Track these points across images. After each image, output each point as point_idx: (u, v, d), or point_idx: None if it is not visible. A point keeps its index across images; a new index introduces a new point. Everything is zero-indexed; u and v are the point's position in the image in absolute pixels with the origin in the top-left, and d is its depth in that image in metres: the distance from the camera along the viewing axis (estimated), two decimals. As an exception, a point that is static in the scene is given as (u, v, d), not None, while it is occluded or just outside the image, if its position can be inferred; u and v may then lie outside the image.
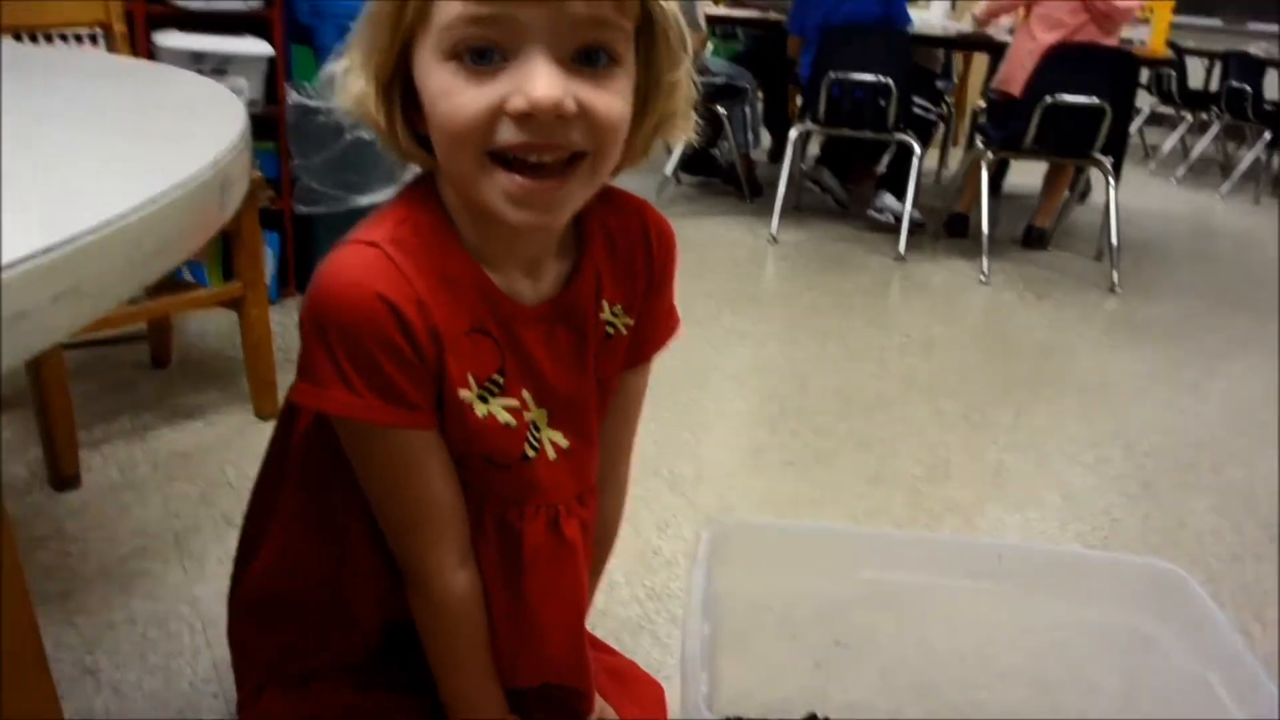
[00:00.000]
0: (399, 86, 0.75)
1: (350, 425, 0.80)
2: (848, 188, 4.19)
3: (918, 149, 3.61)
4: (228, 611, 1.00)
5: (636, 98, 0.76)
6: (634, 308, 0.91)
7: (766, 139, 5.40)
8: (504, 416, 0.83)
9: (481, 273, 0.80)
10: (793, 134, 3.79)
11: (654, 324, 0.94)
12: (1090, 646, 1.19)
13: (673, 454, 1.96)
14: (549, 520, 0.89)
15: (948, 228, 3.92)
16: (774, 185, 3.76)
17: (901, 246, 3.56)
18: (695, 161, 4.40)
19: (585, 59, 0.71)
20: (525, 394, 0.85)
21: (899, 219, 3.66)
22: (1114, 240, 3.44)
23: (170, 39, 2.23)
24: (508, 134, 0.70)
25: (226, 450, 1.85)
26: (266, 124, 2.44)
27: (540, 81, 0.68)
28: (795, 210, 4.05)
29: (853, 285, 3.23)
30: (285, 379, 2.04)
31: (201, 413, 1.98)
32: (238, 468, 1.79)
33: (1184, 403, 2.47)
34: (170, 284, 2.15)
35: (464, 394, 0.80)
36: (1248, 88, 5.33)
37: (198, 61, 2.23)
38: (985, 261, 3.40)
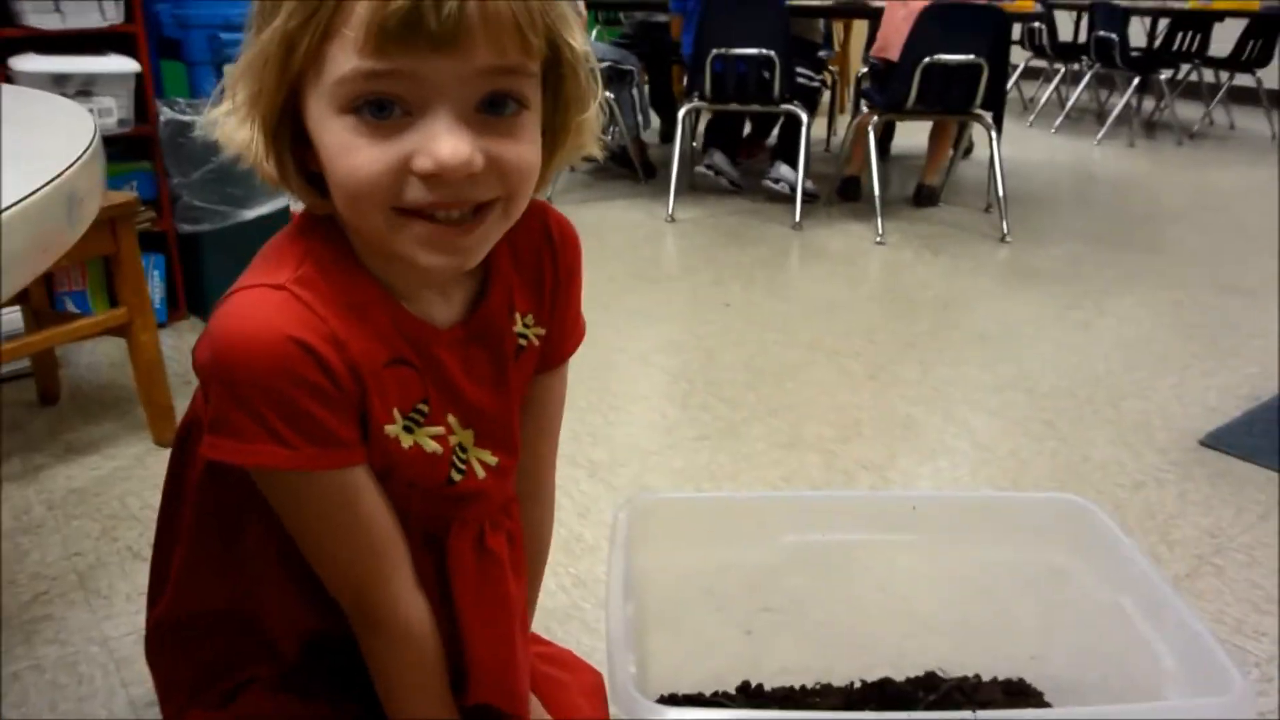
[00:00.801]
0: (288, 127, 0.70)
1: (282, 477, 0.75)
2: (739, 163, 4.21)
3: (805, 118, 3.65)
4: (145, 639, 0.96)
5: (545, 137, 0.74)
6: (543, 316, 0.88)
7: (655, 120, 5.40)
8: (430, 445, 0.81)
9: (393, 300, 0.77)
10: (681, 113, 3.80)
11: (563, 330, 0.91)
12: (1009, 585, 1.22)
13: (588, 440, 1.96)
14: (474, 537, 0.86)
15: (840, 193, 3.98)
16: (667, 166, 3.77)
17: (797, 215, 3.60)
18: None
19: (491, 107, 0.67)
20: (450, 418, 0.82)
21: (794, 188, 3.70)
22: (1001, 192, 3.52)
23: (27, 62, 2.13)
24: (415, 193, 0.67)
25: (126, 481, 1.78)
26: (140, 143, 2.36)
27: (446, 141, 0.65)
28: (690, 189, 4.06)
29: (752, 257, 3.25)
30: (182, 403, 1.99)
31: (97, 446, 1.91)
32: (140, 498, 1.73)
33: (1078, 342, 2.54)
34: (52, 315, 2.07)
35: (389, 428, 0.77)
36: (1114, 36, 5.50)
37: (60, 84, 2.14)
38: (880, 223, 3.46)
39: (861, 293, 2.95)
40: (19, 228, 0.59)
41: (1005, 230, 3.48)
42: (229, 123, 0.70)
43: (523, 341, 0.87)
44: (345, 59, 0.64)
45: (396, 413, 0.78)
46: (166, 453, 1.88)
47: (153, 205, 2.38)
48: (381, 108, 0.65)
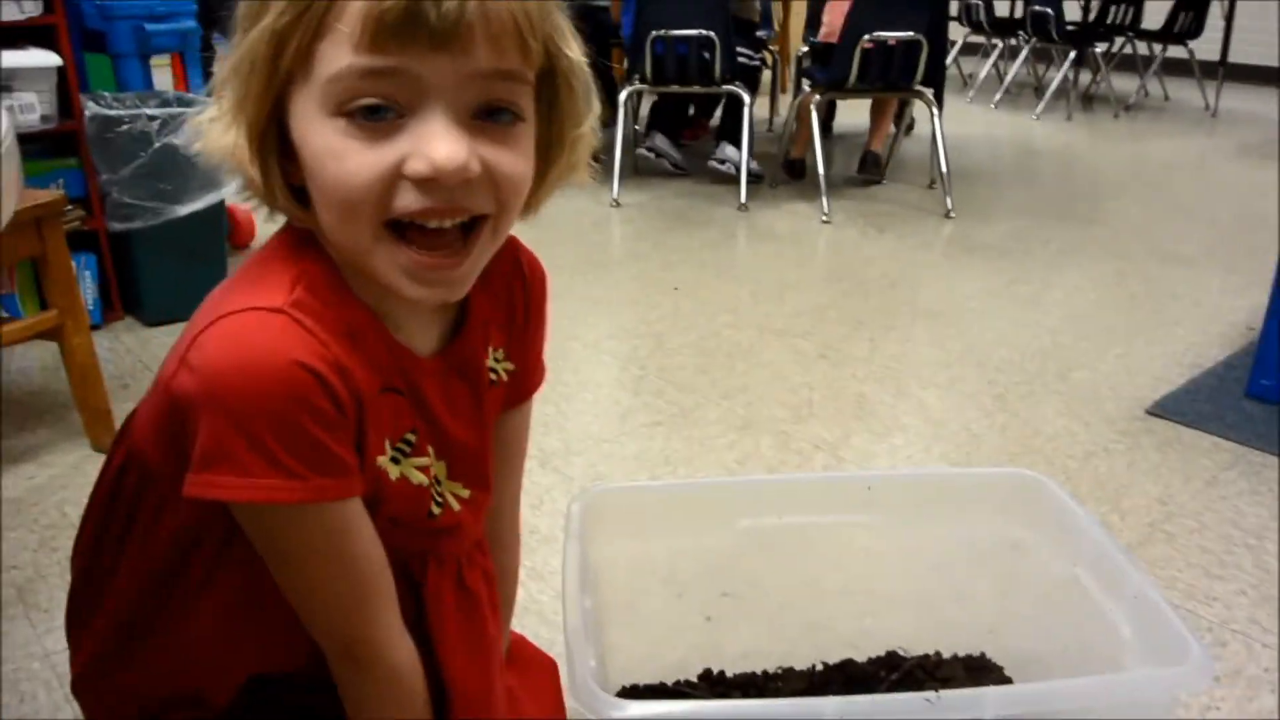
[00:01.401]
0: (274, 134, 0.67)
1: (285, 512, 0.69)
2: (683, 145, 4.19)
3: (747, 98, 3.64)
4: (71, 678, 0.89)
5: (538, 153, 0.71)
6: (513, 352, 0.86)
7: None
8: (416, 477, 0.78)
9: (382, 326, 0.74)
10: (622, 96, 3.77)
11: (529, 366, 0.89)
12: (965, 560, 1.22)
13: (540, 430, 1.93)
14: (453, 575, 0.84)
15: (786, 171, 3.98)
16: (610, 150, 3.74)
17: (743, 196, 3.59)
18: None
19: (487, 114, 0.65)
20: (430, 449, 0.79)
21: (739, 169, 3.69)
22: (944, 168, 3.54)
23: (-59, 58, 2.06)
24: (407, 199, 0.64)
25: (64, 489, 1.73)
26: (65, 140, 2.28)
27: (443, 143, 0.62)
28: (635, 173, 4.04)
29: (699, 240, 3.24)
30: (119, 406, 1.94)
31: (32, 454, 1.85)
32: (78, 506, 1.66)
33: (1026, 316, 2.56)
34: (-22, 321, 2.00)
35: (380, 460, 0.74)
36: (1050, 10, 5.55)
37: (-24, 79, 2.07)
38: (825, 202, 3.46)
39: (810, 272, 2.95)
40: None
41: (949, 206, 3.50)
42: (214, 129, 0.67)
43: (494, 376, 0.84)
44: (339, 56, 0.62)
45: (387, 443, 0.75)
46: (103, 458, 1.83)
47: (82, 203, 2.31)
48: (374, 111, 0.63)
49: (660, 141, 4.04)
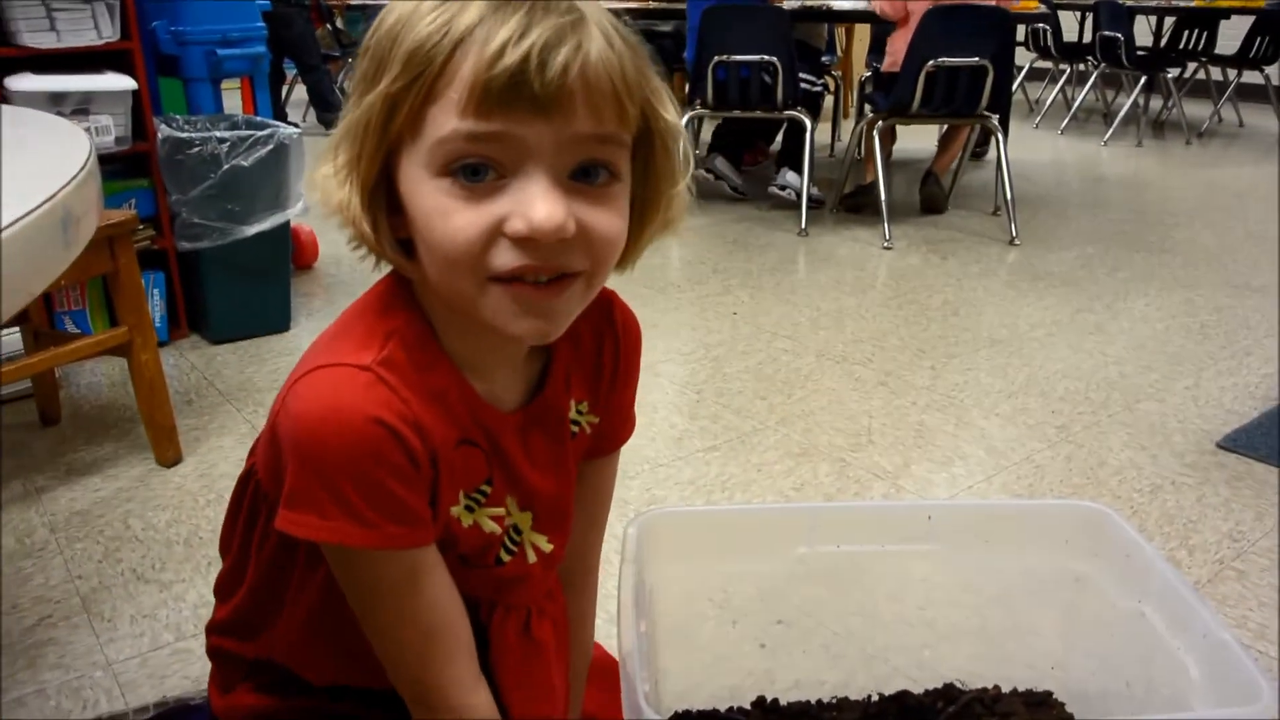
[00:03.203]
0: (383, 190, 0.71)
1: (359, 555, 0.74)
2: (744, 171, 4.20)
3: (809, 123, 3.63)
4: (207, 630, 0.98)
5: (633, 211, 0.73)
6: (598, 405, 0.88)
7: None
8: (489, 525, 0.81)
9: (466, 383, 0.77)
10: (683, 120, 3.78)
11: (616, 419, 0.91)
12: (1027, 593, 1.19)
13: (595, 452, 1.93)
14: (520, 623, 0.86)
15: (846, 207, 3.91)
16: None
17: (803, 221, 3.58)
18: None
19: (584, 175, 0.68)
20: (509, 500, 0.82)
21: (800, 195, 3.68)
22: (1009, 194, 3.50)
23: (23, 82, 2.12)
24: (506, 257, 0.67)
25: (129, 503, 1.76)
26: (138, 161, 2.34)
27: (541, 204, 0.65)
28: (694, 196, 4.04)
29: (759, 265, 3.23)
30: (184, 423, 1.98)
31: (99, 467, 1.89)
32: (142, 519, 1.71)
33: (1091, 345, 2.51)
34: (52, 336, 2.06)
35: (454, 509, 0.78)
36: (1119, 35, 5.48)
37: (57, 103, 2.13)
38: (886, 228, 3.44)
39: (870, 299, 2.93)
40: (13, 250, 0.57)
41: (1014, 233, 3.45)
42: (329, 184, 0.71)
43: (575, 428, 0.87)
44: (446, 120, 0.65)
45: (461, 494, 0.78)
46: (168, 473, 1.88)
47: (152, 223, 2.37)
48: (476, 172, 0.66)
49: (721, 164, 4.05)
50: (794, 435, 2.01)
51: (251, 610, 0.93)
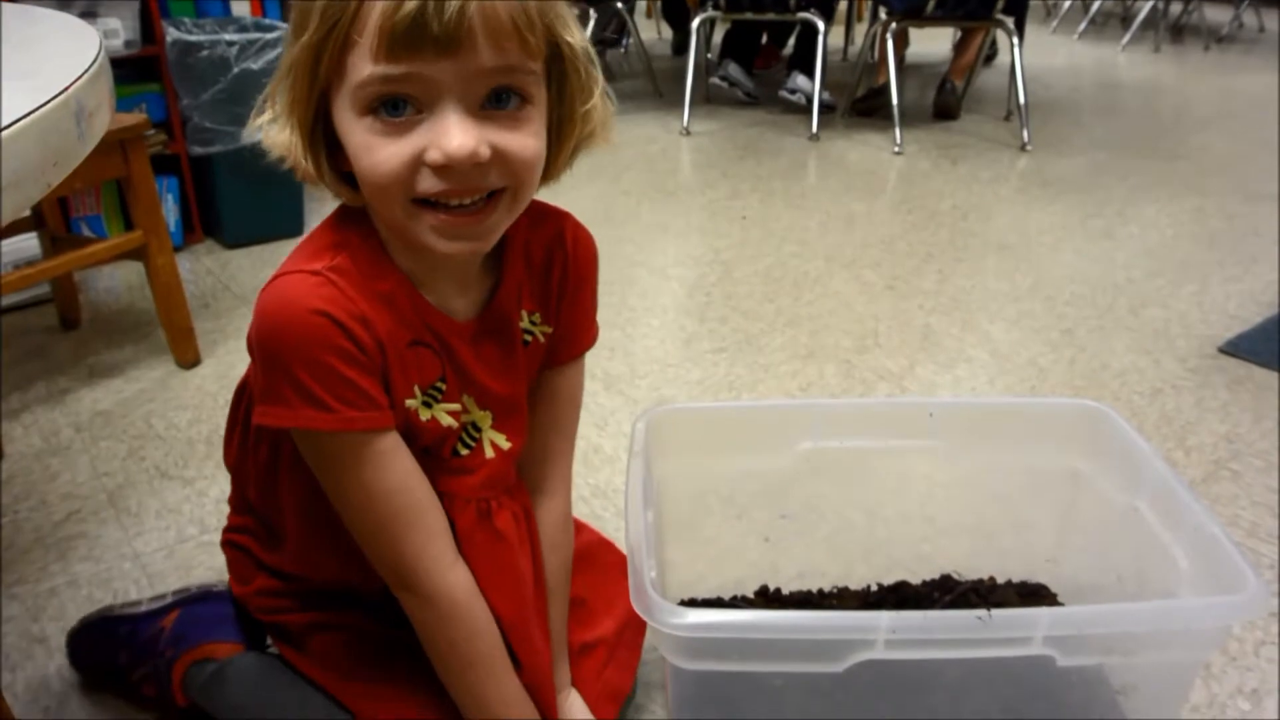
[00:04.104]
0: (322, 130, 0.78)
1: (325, 440, 0.82)
2: (755, 74, 4.14)
3: (821, 26, 3.57)
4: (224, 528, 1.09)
5: (550, 129, 0.80)
6: (550, 316, 0.95)
7: (668, 32, 5.31)
8: (446, 419, 0.88)
9: (416, 293, 0.85)
10: (695, 23, 3.73)
11: (572, 331, 0.98)
12: (1025, 489, 1.23)
13: (605, 354, 1.96)
14: (480, 513, 0.92)
15: (858, 111, 3.88)
16: (681, 78, 3.71)
17: (814, 126, 3.55)
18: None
19: (496, 101, 0.74)
20: (466, 398, 0.89)
21: (811, 99, 3.64)
22: (1022, 100, 3.46)
23: (29, -18, 2.11)
24: (428, 183, 0.74)
25: (150, 403, 1.80)
26: (148, 65, 2.33)
27: (454, 134, 0.72)
28: (705, 101, 4.01)
29: (769, 169, 3.22)
30: (201, 325, 2.01)
31: (120, 369, 1.93)
32: (164, 419, 1.75)
33: (1099, 251, 2.51)
34: (69, 240, 2.08)
35: (409, 402, 0.85)
36: (1140, -66, 5.34)
37: (64, 5, 2.11)
38: (898, 133, 3.41)
39: (880, 203, 2.92)
40: (29, 140, 0.59)
41: (1026, 139, 3.42)
42: (272, 129, 0.79)
43: (528, 337, 0.94)
44: (362, 65, 0.71)
45: (416, 388, 0.86)
46: (188, 374, 1.92)
47: (163, 127, 2.37)
48: (395, 107, 0.73)
49: (733, 70, 3.99)
50: (801, 337, 2.03)
51: (258, 519, 1.03)
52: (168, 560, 1.39)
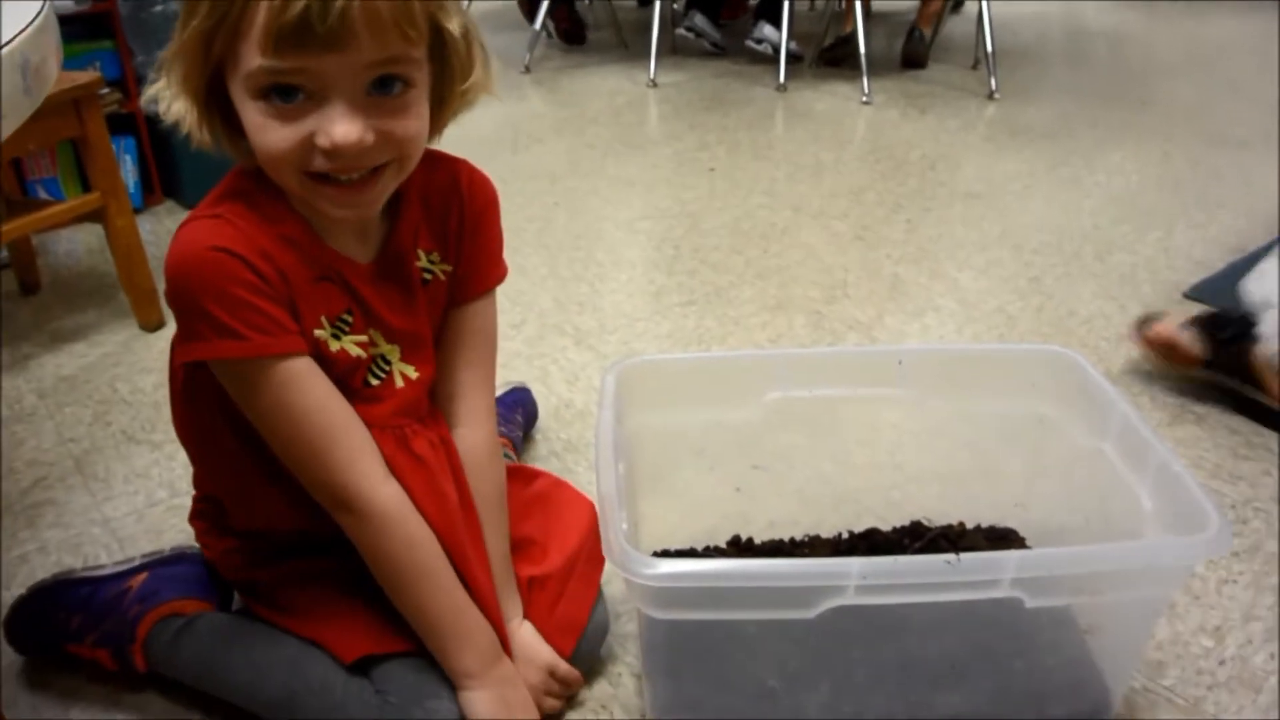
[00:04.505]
0: (216, 100, 0.83)
1: (242, 368, 0.87)
2: (722, 25, 4.10)
3: (787, -25, 3.53)
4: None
5: (433, 100, 0.87)
6: (450, 254, 1.00)
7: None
8: (354, 350, 0.94)
9: (317, 237, 0.91)
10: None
11: (475, 269, 1.02)
12: (994, 436, 1.24)
13: (574, 309, 1.96)
14: (395, 439, 0.96)
15: (825, 61, 3.85)
16: (647, 30, 3.66)
17: (781, 77, 3.52)
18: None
19: (380, 87, 0.80)
20: (373, 332, 0.96)
21: (778, 49, 3.61)
22: (990, 48, 3.44)
23: (-26, -64, 2.04)
24: (319, 163, 0.81)
25: (115, 367, 1.78)
26: (100, 22, 2.28)
27: (340, 124, 0.78)
28: (672, 52, 3.97)
29: (736, 120, 3.20)
30: (164, 286, 1.97)
31: (82, 333, 1.90)
32: (129, 383, 1.73)
33: (1066, 198, 2.52)
34: (25, 203, 2.04)
35: (318, 332, 0.91)
36: (1106, -123, 5.30)
37: (10, -41, 2.05)
38: (865, 82, 3.39)
39: (847, 153, 2.91)
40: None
41: (993, 87, 3.41)
42: (166, 98, 0.84)
43: (427, 275, 0.99)
44: (252, 57, 0.76)
45: (324, 319, 0.90)
46: (152, 337, 1.90)
47: (118, 86, 2.32)
48: (287, 93, 0.78)
49: (700, 20, 3.95)
50: (770, 289, 2.03)
51: (205, 475, 1.07)
52: (138, 524, 1.38)
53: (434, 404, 1.04)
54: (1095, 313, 1.93)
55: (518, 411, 1.49)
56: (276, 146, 0.80)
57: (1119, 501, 1.07)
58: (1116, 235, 2.29)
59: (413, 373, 0.99)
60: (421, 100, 0.84)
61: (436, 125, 0.90)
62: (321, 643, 0.98)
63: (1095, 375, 1.15)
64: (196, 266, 0.83)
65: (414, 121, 0.83)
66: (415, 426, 0.98)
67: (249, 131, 0.81)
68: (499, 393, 1.46)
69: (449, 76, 0.87)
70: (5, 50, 0.60)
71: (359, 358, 0.94)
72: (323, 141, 0.79)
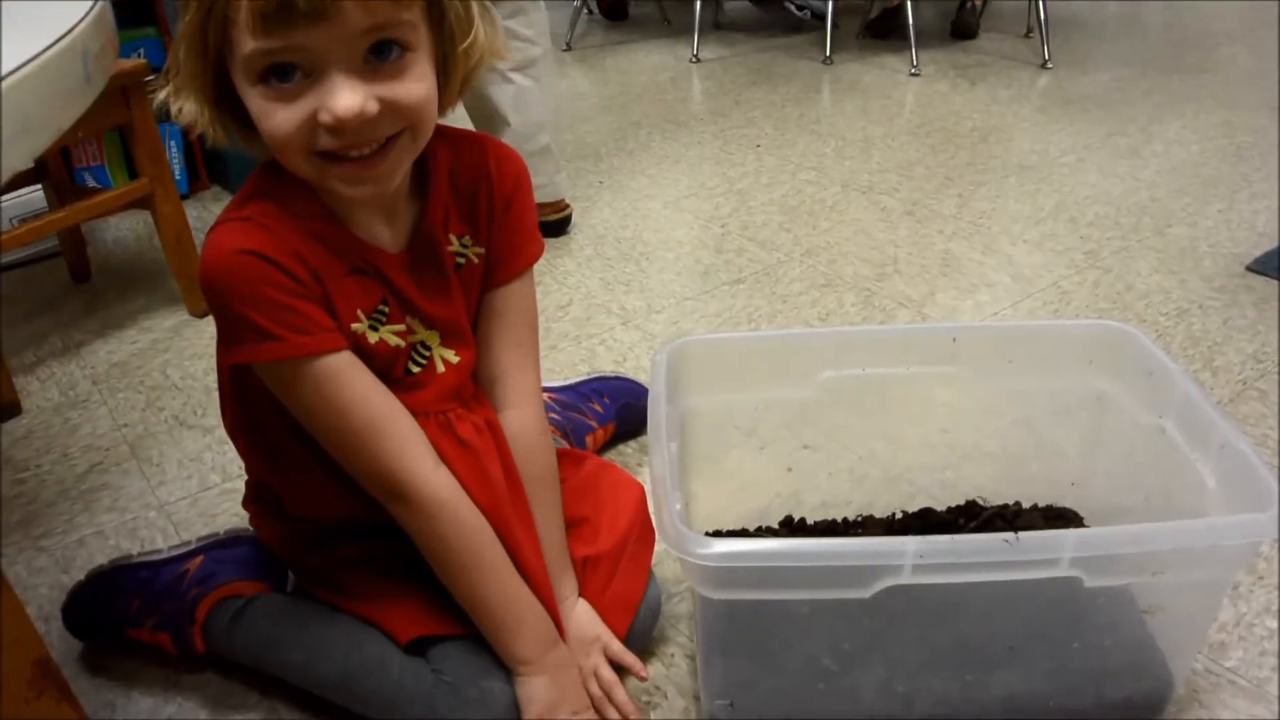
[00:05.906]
0: (226, 95, 0.82)
1: (283, 369, 0.87)
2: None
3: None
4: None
5: (437, 64, 0.85)
6: (481, 237, 0.99)
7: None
8: (394, 340, 0.94)
9: (345, 228, 0.90)
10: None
11: (509, 249, 1.00)
12: (1050, 413, 1.21)
13: (621, 289, 1.94)
14: (439, 425, 0.96)
15: (871, 32, 3.79)
16: (689, 5, 3.63)
17: (828, 49, 3.47)
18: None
19: (378, 54, 0.78)
20: (411, 320, 0.95)
21: (819, 17, 3.56)
22: (1042, 15, 3.37)
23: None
24: (325, 140, 0.79)
25: (165, 353, 1.80)
26: (143, 8, 2.30)
27: (341, 96, 0.77)
28: (715, 28, 3.93)
29: (782, 95, 3.16)
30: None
31: (133, 320, 1.93)
32: (180, 368, 1.75)
33: (1123, 170, 2.46)
34: (74, 191, 2.06)
35: (355, 325, 0.91)
36: None
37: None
38: (914, 54, 3.33)
39: (896, 127, 2.87)
40: (39, 85, 0.58)
41: (1046, 56, 3.34)
42: (177, 101, 0.83)
43: (460, 259, 0.98)
44: (245, 41, 0.75)
45: (360, 313, 0.91)
46: (202, 323, 1.92)
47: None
48: (283, 74, 0.77)
49: None
50: (819, 266, 2.01)
51: (262, 462, 1.06)
52: (192, 508, 1.40)
53: (479, 387, 1.03)
54: (1154, 287, 1.88)
55: (593, 401, 1.45)
56: (281, 129, 0.79)
57: (1180, 480, 1.04)
58: (1176, 207, 2.23)
59: (454, 357, 0.98)
60: (422, 62, 0.81)
61: (446, 93, 0.87)
62: (378, 623, 0.99)
63: (1155, 350, 1.12)
64: (226, 272, 0.83)
65: (416, 85, 0.81)
66: (460, 411, 0.98)
67: (256, 120, 0.80)
68: (577, 380, 1.47)
69: (448, 36, 0.84)
70: (65, 40, 0.60)
71: (398, 347, 0.94)
72: (325, 118, 0.77)
